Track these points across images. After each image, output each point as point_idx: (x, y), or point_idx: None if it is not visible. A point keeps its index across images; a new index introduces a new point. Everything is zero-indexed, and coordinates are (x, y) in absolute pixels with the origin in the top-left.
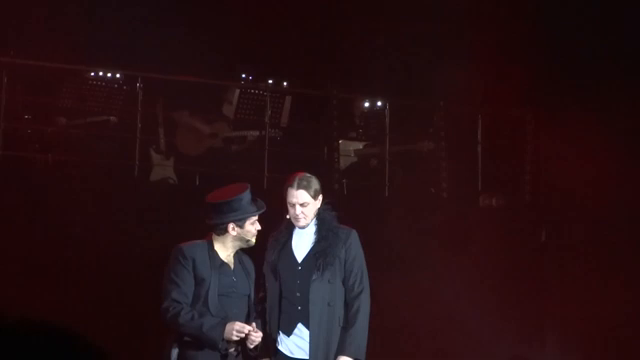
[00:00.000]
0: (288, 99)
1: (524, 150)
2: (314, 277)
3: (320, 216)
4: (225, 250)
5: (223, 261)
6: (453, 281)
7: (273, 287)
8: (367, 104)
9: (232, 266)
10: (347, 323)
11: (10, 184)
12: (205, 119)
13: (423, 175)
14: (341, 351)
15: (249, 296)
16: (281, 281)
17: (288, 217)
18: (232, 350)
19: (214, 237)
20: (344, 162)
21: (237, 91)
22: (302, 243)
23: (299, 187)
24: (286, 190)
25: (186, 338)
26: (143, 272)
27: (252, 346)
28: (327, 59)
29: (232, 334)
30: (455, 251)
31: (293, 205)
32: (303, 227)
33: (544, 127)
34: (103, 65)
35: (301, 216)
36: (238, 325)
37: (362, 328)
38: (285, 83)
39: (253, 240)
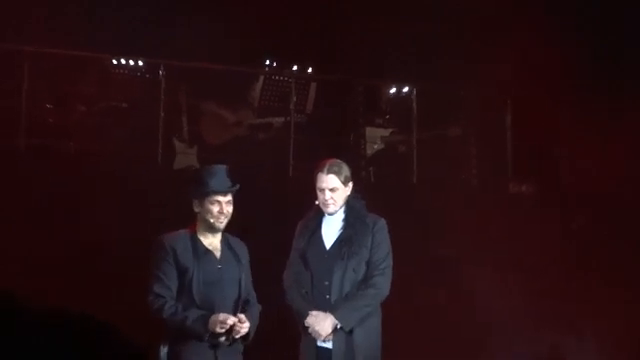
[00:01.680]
0: (313, 86)
1: (555, 135)
2: (337, 266)
3: (349, 204)
4: (206, 237)
5: (207, 248)
6: (483, 270)
7: (304, 275)
8: (393, 90)
9: (218, 252)
10: (355, 293)
11: (34, 173)
12: (229, 107)
13: (452, 162)
14: (333, 310)
15: (239, 281)
16: (311, 269)
17: (317, 203)
18: (223, 339)
19: (197, 224)
20: (370, 149)
21: (261, 78)
22: (331, 230)
23: (329, 172)
24: (316, 175)
25: (176, 334)
26: None
27: (238, 336)
28: (352, 44)
29: (217, 326)
30: (485, 239)
31: (322, 190)
32: (332, 213)
33: (576, 112)
34: (125, 53)
35: (330, 202)
36: (222, 316)
37: (363, 306)
38: (310, 69)
39: (217, 223)
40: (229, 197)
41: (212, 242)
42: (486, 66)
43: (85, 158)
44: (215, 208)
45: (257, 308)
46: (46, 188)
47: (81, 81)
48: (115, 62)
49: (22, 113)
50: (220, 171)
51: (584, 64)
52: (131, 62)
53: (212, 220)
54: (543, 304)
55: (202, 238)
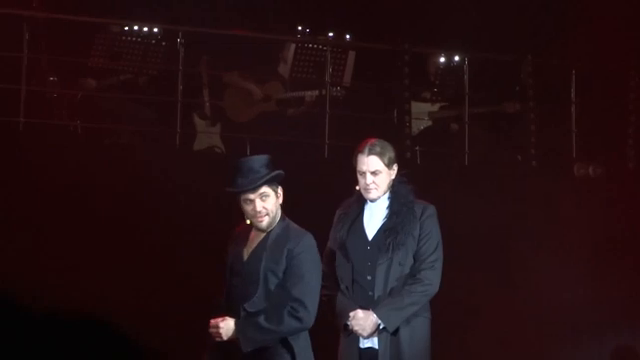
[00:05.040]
0: (351, 55)
1: (626, 110)
2: (381, 259)
3: (394, 189)
4: (254, 230)
5: (242, 243)
6: (545, 263)
7: (344, 269)
8: (443, 59)
9: (253, 245)
10: (401, 289)
11: (34, 155)
12: (256, 79)
13: (509, 141)
14: (376, 307)
15: (258, 280)
16: (352, 262)
17: (358, 188)
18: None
19: None
20: (417, 127)
21: (293, 46)
22: (374, 219)
23: (371, 153)
24: (356, 157)
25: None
26: (197, 254)
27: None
28: (397, 8)
29: None
30: (547, 228)
31: (363, 174)
32: (374, 200)
33: None
34: (139, 18)
35: (372, 186)
36: None
37: (410, 304)
38: (348, 36)
39: (258, 223)
40: (262, 190)
41: (256, 235)
42: (548, 33)
43: (93, 139)
44: (249, 207)
45: (280, 320)
46: (48, 173)
47: (88, 51)
48: (127, 29)
49: (21, 88)
50: (246, 164)
51: None
52: (145, 29)
53: (252, 221)
54: (611, 298)
55: (253, 231)
